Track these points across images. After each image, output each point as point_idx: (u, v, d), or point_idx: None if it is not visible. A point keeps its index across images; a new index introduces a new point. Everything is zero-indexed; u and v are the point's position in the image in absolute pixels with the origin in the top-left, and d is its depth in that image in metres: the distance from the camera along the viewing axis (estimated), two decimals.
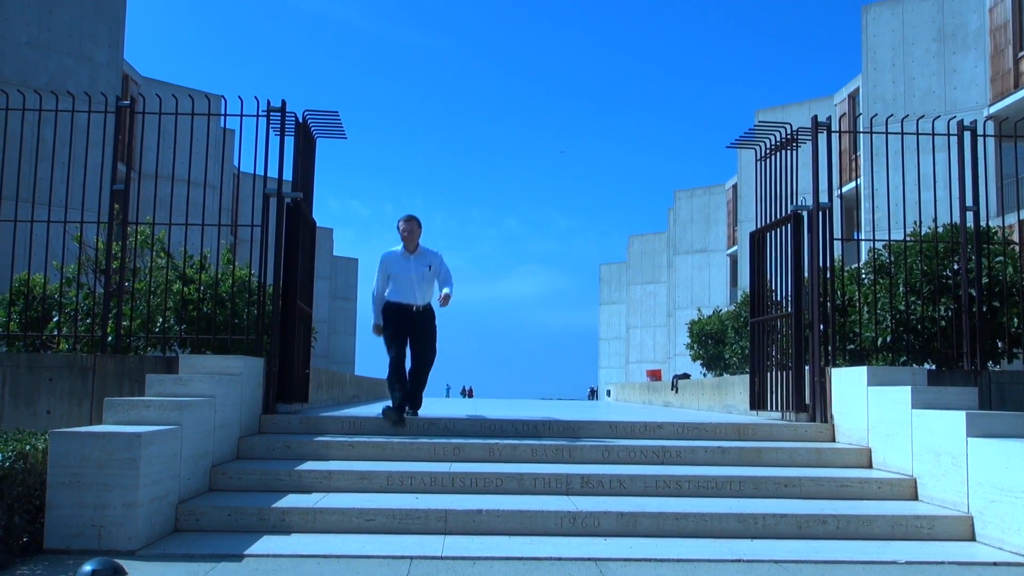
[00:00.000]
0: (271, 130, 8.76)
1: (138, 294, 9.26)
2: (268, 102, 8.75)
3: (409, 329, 8.45)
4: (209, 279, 9.53)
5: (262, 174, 8.81)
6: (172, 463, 5.94)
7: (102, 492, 5.36)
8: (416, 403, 8.58)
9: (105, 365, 8.32)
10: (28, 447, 5.43)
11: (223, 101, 8.95)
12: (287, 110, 8.76)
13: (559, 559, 5.33)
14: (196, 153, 9.05)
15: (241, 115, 8.77)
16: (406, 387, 8.24)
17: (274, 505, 6.01)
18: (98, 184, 8.85)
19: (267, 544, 5.54)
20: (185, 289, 9.48)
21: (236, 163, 32.62)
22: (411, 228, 8.49)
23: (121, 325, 8.78)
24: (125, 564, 4.91)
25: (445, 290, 8.38)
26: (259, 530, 5.84)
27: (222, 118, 9.01)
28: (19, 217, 8.81)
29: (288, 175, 8.77)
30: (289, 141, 8.81)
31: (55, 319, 9.37)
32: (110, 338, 8.67)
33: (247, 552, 5.32)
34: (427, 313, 8.61)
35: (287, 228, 8.70)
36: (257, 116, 8.74)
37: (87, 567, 4.76)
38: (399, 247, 8.51)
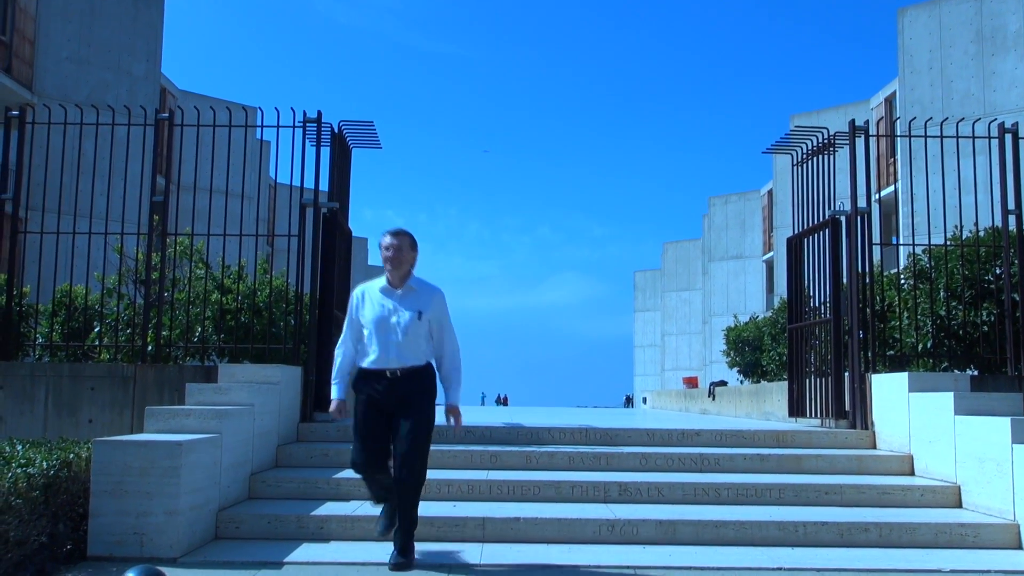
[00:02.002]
0: (307, 141, 8.84)
1: (177, 304, 9.37)
2: (304, 113, 8.83)
3: (387, 407, 5.30)
4: (246, 289, 9.62)
5: (298, 184, 8.88)
6: (212, 471, 5.99)
7: (144, 500, 5.41)
8: (407, 525, 5.33)
9: (145, 374, 8.41)
10: (72, 455, 5.50)
11: (259, 113, 9.06)
12: (323, 121, 8.83)
13: (598, 567, 5.30)
14: (233, 164, 9.14)
15: (277, 126, 8.86)
16: (385, 487, 5.45)
17: (313, 513, 6.04)
18: (138, 196, 8.97)
19: (306, 552, 5.57)
20: (223, 299, 9.57)
21: (272, 174, 32.94)
22: (399, 246, 5.33)
23: (161, 335, 8.88)
24: (167, 571, 4.97)
25: (451, 397, 5.52)
26: (298, 538, 5.88)
27: (258, 129, 9.12)
28: (61, 229, 8.95)
29: (324, 185, 8.84)
30: (325, 151, 8.88)
31: (96, 329, 9.49)
32: (150, 348, 8.77)
33: (287, 560, 5.35)
34: (415, 380, 5.31)
35: (323, 238, 8.77)
36: (293, 127, 8.82)
37: (130, 574, 4.82)
38: (380, 280, 5.47)
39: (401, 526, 5.27)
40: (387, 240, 5.37)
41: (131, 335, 9.29)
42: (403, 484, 5.21)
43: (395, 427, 5.25)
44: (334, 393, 5.52)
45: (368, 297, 5.42)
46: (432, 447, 7.50)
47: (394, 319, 5.28)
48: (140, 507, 5.41)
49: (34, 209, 9.64)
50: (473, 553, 5.56)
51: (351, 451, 5.39)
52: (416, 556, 5.35)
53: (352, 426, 5.42)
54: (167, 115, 9.28)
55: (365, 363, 5.35)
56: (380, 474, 5.38)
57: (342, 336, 5.56)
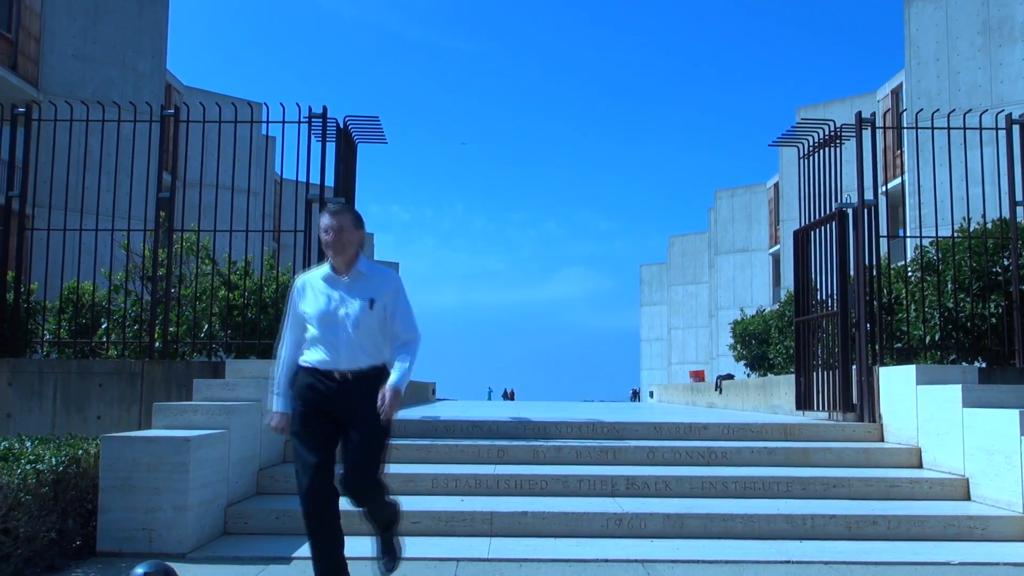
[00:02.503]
0: (312, 136, 8.84)
1: (184, 300, 9.39)
2: (309, 109, 8.84)
3: (335, 413, 4.39)
4: (253, 284, 9.63)
5: (304, 180, 8.89)
6: (220, 467, 6.01)
7: (153, 496, 5.43)
8: (382, 523, 4.68)
9: (153, 370, 8.43)
10: (80, 452, 5.52)
11: (264, 108, 9.05)
12: (328, 116, 8.84)
13: (605, 560, 5.31)
14: (239, 160, 9.15)
15: (283, 122, 8.87)
16: (336, 547, 4.43)
17: None
18: (144, 192, 8.99)
19: None
20: (230, 295, 9.59)
21: (278, 169, 32.97)
22: (340, 226, 4.41)
23: (168, 331, 8.90)
24: (176, 567, 4.97)
25: (393, 376, 4.35)
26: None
27: (264, 125, 9.12)
28: (68, 226, 8.97)
29: (330, 180, 8.84)
30: (330, 147, 8.89)
31: (104, 326, 9.52)
32: (157, 344, 8.80)
33: (295, 555, 5.37)
34: (372, 384, 4.35)
35: None
36: (299, 123, 8.83)
37: (139, 570, 4.83)
38: (323, 267, 4.56)
39: (376, 531, 4.61)
40: (326, 220, 4.44)
41: (138, 331, 9.31)
42: (354, 489, 4.35)
43: (345, 438, 4.39)
44: (275, 405, 4.48)
45: (310, 288, 4.51)
46: (440, 441, 7.59)
47: (342, 311, 4.38)
48: (149, 503, 5.42)
49: (41, 206, 9.67)
50: (481, 547, 5.57)
51: (295, 474, 4.37)
52: (422, 553, 5.35)
53: (293, 445, 4.40)
54: (173, 111, 9.29)
55: (311, 362, 4.40)
56: (324, 527, 4.36)
57: (281, 338, 4.59)
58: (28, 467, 4.87)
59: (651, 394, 35.51)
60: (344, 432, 4.40)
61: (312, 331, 4.43)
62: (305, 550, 5.46)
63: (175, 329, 9.15)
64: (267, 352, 8.99)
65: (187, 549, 5.39)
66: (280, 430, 4.47)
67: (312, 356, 4.42)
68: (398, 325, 4.50)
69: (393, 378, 4.33)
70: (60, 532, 5.06)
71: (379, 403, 4.25)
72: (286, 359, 4.54)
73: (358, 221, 4.50)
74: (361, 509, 4.49)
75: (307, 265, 8.72)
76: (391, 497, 4.61)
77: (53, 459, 5.14)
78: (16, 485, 4.66)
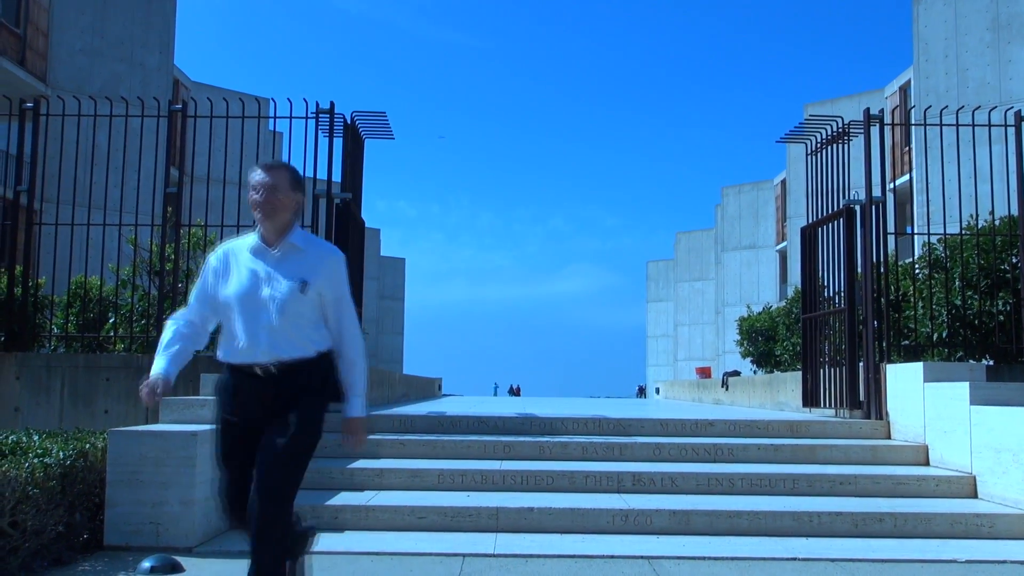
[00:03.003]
0: (319, 132, 8.85)
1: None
2: (316, 104, 8.83)
3: (259, 417, 3.63)
4: None
5: (311, 175, 8.88)
6: None
7: (160, 490, 5.44)
8: None
9: None
10: (88, 446, 5.53)
11: (272, 104, 9.06)
12: (335, 111, 8.83)
13: (611, 557, 5.30)
14: (246, 155, 9.16)
15: (290, 117, 8.88)
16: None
17: (327, 503, 6.06)
18: (151, 187, 9.00)
19: (321, 541, 5.56)
20: None
21: None
22: (273, 184, 3.64)
23: None
24: (182, 560, 5.01)
25: (354, 406, 3.75)
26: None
27: (271, 120, 9.13)
28: (75, 221, 8.98)
29: (337, 176, 8.85)
30: (337, 142, 8.88)
31: (111, 320, 9.54)
32: None
33: None
34: (297, 377, 3.63)
35: (336, 228, 8.77)
36: (306, 118, 8.84)
37: (146, 563, 4.87)
38: (250, 236, 3.76)
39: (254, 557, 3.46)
40: (256, 176, 3.64)
41: (146, 326, 9.33)
42: (258, 514, 3.42)
43: (263, 439, 3.55)
44: (155, 367, 3.62)
45: (232, 260, 3.71)
46: (445, 437, 7.58)
47: (266, 291, 3.59)
48: (156, 497, 5.44)
49: (49, 201, 9.68)
50: (487, 543, 5.57)
51: (220, 498, 3.73)
52: (428, 548, 5.35)
53: (213, 447, 3.78)
54: (180, 107, 9.30)
55: (228, 356, 3.65)
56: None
57: (185, 308, 3.81)
58: (36, 461, 4.89)
59: (657, 390, 35.50)
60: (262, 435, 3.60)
61: (230, 314, 3.63)
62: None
63: None
64: None
65: (194, 543, 5.40)
66: (149, 396, 3.52)
67: (228, 348, 3.64)
68: (343, 330, 3.74)
69: (352, 407, 3.70)
70: (67, 526, 5.08)
71: (345, 444, 3.73)
72: (177, 328, 3.73)
73: (296, 182, 3.73)
74: (253, 541, 3.45)
75: None
76: (303, 524, 3.93)
77: (60, 453, 5.15)
78: (24, 479, 4.68)
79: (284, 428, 3.55)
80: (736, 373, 19.43)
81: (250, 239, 3.72)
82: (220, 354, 3.68)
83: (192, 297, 3.79)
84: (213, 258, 3.76)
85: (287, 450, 3.52)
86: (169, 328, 3.75)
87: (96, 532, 5.42)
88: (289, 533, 3.60)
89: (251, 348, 3.57)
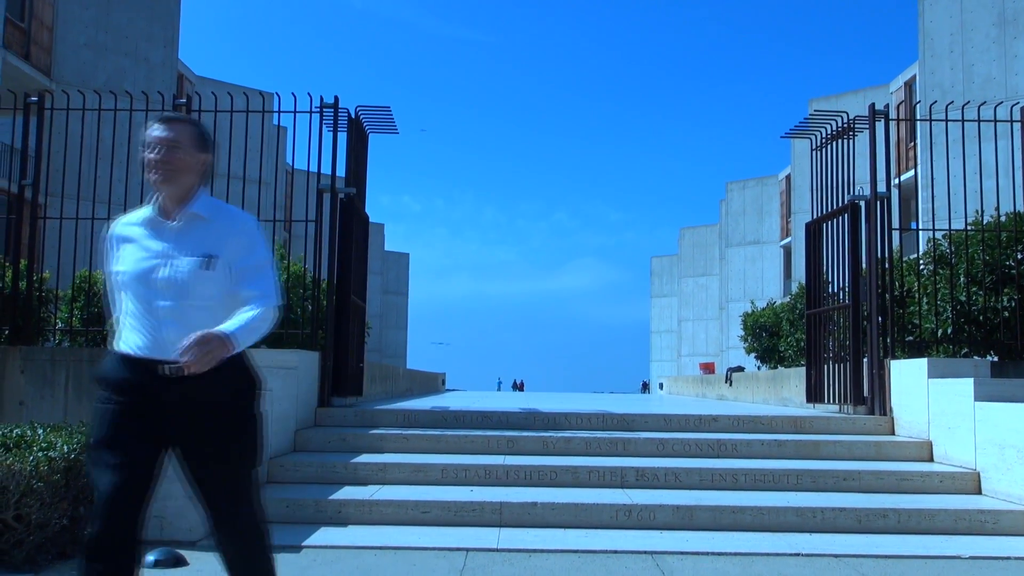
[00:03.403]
0: (324, 126, 8.83)
1: None
2: (321, 98, 8.83)
3: (157, 424, 3.03)
4: None
5: (315, 170, 8.89)
6: None
7: (164, 483, 5.43)
8: None
9: None
10: None
11: (276, 98, 9.05)
12: (339, 106, 8.83)
13: (615, 552, 5.31)
14: (250, 150, 9.16)
15: (295, 111, 8.86)
16: None
17: (331, 497, 6.07)
18: None
19: (325, 536, 5.59)
20: None
21: (289, 159, 33.01)
22: (174, 141, 3.07)
23: None
24: (186, 554, 5.02)
25: (227, 323, 2.89)
26: (316, 522, 5.90)
27: (275, 115, 9.12)
28: (80, 215, 8.99)
29: (341, 171, 8.84)
30: (342, 137, 8.88)
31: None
32: None
33: (305, 543, 5.38)
34: (215, 384, 2.94)
35: (340, 223, 8.77)
36: (310, 112, 8.82)
37: (150, 557, 4.88)
38: (145, 208, 3.22)
39: None
40: (154, 132, 3.06)
41: None
42: (238, 534, 3.10)
43: (192, 468, 3.09)
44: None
45: (125, 237, 3.14)
46: (449, 432, 7.59)
47: (164, 271, 2.99)
48: (160, 491, 5.42)
49: (53, 195, 9.69)
50: (490, 537, 5.58)
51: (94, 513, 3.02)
52: (431, 543, 5.36)
53: (88, 452, 3.13)
54: (184, 101, 9.30)
55: (122, 346, 3.03)
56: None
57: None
58: (40, 455, 4.90)
59: (661, 386, 35.48)
60: (184, 460, 3.07)
61: (125, 301, 3.06)
62: (316, 539, 5.48)
63: None
64: (278, 342, 9.01)
65: (198, 537, 5.41)
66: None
67: (126, 339, 3.03)
68: (246, 285, 3.06)
69: (230, 328, 2.88)
70: (72, 519, 5.09)
71: (183, 346, 2.75)
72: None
73: (202, 140, 3.14)
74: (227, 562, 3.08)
75: (318, 257, 8.70)
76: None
77: (65, 447, 5.16)
78: (28, 472, 4.69)
79: (219, 456, 3.02)
80: (740, 369, 19.41)
81: (144, 211, 3.15)
82: (116, 346, 3.05)
83: (111, 292, 3.16)
84: (107, 239, 3.20)
85: (239, 481, 3.07)
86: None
87: None
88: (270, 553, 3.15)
89: (151, 342, 2.96)
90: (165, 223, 3.08)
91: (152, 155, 3.05)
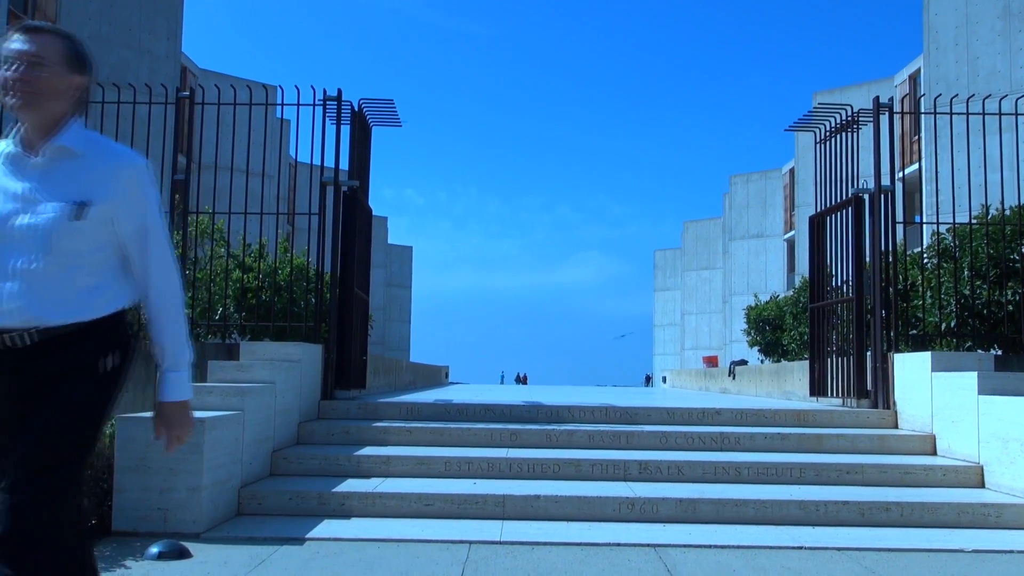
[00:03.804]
0: (327, 119, 8.83)
1: (199, 283, 9.42)
2: (324, 91, 8.82)
3: (13, 400, 2.46)
4: (267, 267, 9.65)
5: (318, 163, 8.88)
6: (235, 448, 6.04)
7: (167, 476, 5.46)
8: None
9: None
10: None
11: (279, 91, 9.04)
12: (343, 99, 8.82)
13: (618, 544, 5.31)
14: (254, 143, 9.17)
15: (298, 104, 8.86)
16: None
17: (334, 490, 6.07)
18: (159, 175, 9.00)
19: (328, 528, 5.60)
20: (244, 277, 9.61)
21: (292, 152, 32.99)
22: (36, 56, 2.43)
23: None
24: (190, 547, 5.03)
25: (170, 386, 2.94)
26: (320, 514, 5.91)
27: (279, 108, 9.12)
28: None
29: (344, 164, 8.84)
30: (345, 130, 8.89)
31: None
32: None
33: (308, 536, 5.39)
34: (67, 353, 2.47)
35: (344, 216, 8.77)
36: (313, 105, 8.82)
37: (154, 549, 4.89)
38: (6, 140, 2.54)
39: None
40: (12, 45, 2.46)
41: None
42: (13, 529, 2.37)
43: (24, 427, 2.43)
44: None
45: None
46: (452, 425, 7.60)
47: (22, 219, 2.44)
48: (163, 483, 5.46)
49: None
50: (493, 530, 5.58)
51: None
52: (434, 535, 5.37)
53: None
54: (188, 94, 9.30)
55: None
56: None
57: None
58: None
59: (664, 379, 35.50)
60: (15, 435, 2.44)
61: None
62: (319, 531, 5.49)
63: (189, 311, 9.18)
64: (281, 334, 9.02)
65: (201, 529, 5.42)
66: None
67: None
68: (150, 273, 2.65)
69: (169, 389, 2.77)
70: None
71: (156, 435, 2.75)
72: None
73: (76, 58, 2.59)
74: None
75: (321, 250, 8.69)
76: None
77: None
78: None
79: (45, 412, 2.43)
80: (743, 362, 19.40)
81: (3, 143, 2.55)
82: None
83: None
84: None
85: (50, 445, 2.46)
86: None
87: (104, 518, 5.44)
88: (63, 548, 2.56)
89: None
90: (28, 158, 2.49)
91: (7, 72, 2.43)
